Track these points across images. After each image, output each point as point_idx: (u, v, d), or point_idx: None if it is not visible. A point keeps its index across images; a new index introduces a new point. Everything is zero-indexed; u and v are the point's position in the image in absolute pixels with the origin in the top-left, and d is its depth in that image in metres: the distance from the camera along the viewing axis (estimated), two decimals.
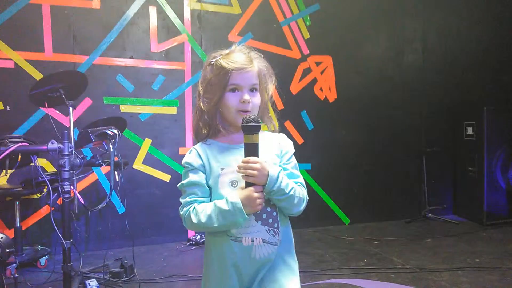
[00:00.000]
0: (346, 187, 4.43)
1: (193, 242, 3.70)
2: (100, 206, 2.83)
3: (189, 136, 3.88)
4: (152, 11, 3.74)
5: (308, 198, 1.27)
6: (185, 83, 3.87)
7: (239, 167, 1.17)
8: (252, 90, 1.25)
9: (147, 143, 3.75)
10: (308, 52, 4.24)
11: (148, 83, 3.76)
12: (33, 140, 2.71)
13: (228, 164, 1.23)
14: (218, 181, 1.22)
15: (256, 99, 1.26)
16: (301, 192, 1.24)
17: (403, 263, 3.18)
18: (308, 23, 4.26)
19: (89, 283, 2.63)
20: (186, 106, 3.87)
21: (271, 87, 1.33)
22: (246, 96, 1.23)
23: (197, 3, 3.88)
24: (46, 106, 2.83)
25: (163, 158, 3.80)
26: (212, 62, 1.26)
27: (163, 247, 3.66)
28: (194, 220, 1.19)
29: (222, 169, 1.23)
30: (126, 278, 2.84)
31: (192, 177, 1.24)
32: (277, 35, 4.14)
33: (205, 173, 1.24)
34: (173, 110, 3.83)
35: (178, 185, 1.28)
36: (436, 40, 4.71)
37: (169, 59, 3.81)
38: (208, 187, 1.24)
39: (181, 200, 1.25)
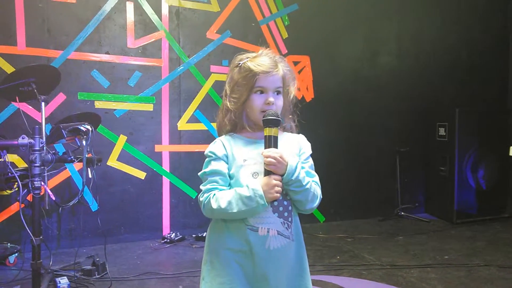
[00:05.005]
0: (321, 185, 4.46)
1: (168, 240, 3.68)
2: (71, 203, 2.79)
3: (165, 133, 3.86)
4: (129, 6, 3.70)
5: (322, 197, 1.34)
6: (162, 79, 3.84)
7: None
8: (277, 93, 1.34)
9: (122, 139, 3.71)
10: (286, 51, 4.27)
11: (124, 79, 3.71)
12: (3, 135, 2.66)
13: (251, 156, 1.29)
14: (240, 171, 1.28)
15: (280, 101, 1.34)
16: (316, 189, 1.32)
17: (375, 260, 3.24)
18: (286, 22, 4.29)
19: (59, 281, 2.59)
20: (163, 103, 3.85)
21: (293, 90, 1.41)
22: (271, 98, 1.31)
23: None
24: (17, 101, 2.78)
25: (139, 155, 3.76)
26: (240, 64, 1.32)
27: (137, 245, 3.62)
28: (214, 205, 1.24)
29: (245, 160, 1.29)
30: (98, 276, 2.81)
31: (215, 165, 1.30)
32: (255, 34, 4.15)
33: (227, 163, 1.30)
34: (149, 107, 3.80)
35: (199, 174, 1.33)
36: (410, 42, 4.82)
37: (146, 55, 3.78)
38: (230, 176, 1.30)
39: (202, 187, 1.30)
